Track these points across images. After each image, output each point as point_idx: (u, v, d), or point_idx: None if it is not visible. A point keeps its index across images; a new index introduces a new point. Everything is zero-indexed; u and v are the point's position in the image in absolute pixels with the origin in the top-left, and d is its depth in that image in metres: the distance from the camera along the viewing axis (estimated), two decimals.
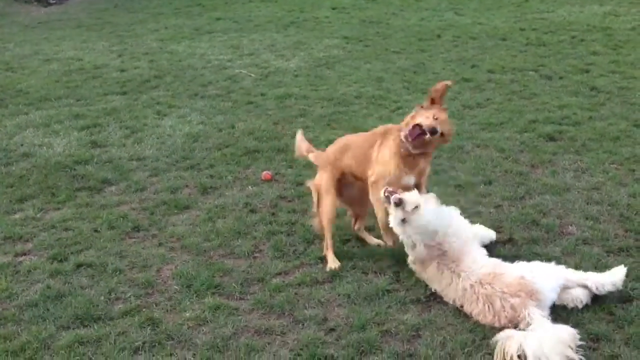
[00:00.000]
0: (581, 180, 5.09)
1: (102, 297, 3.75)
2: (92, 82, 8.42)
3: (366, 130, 5.81)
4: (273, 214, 4.72)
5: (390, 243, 3.99)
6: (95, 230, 4.56)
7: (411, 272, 3.89)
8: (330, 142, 6.00)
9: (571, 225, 4.40)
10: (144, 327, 3.48)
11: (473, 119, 6.61)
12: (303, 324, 3.48)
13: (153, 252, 4.26)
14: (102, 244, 4.36)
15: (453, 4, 13.43)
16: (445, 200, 4.74)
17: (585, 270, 3.68)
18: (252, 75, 8.53)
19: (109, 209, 4.88)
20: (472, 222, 4.41)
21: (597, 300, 3.54)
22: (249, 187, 5.16)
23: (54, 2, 16.47)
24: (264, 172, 5.32)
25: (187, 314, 3.59)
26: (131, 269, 4.07)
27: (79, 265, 4.09)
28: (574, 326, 3.28)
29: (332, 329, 3.44)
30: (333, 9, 13.24)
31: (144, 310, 3.66)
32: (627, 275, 3.55)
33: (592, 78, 7.93)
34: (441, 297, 3.63)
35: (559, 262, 3.88)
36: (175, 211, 4.80)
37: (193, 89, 7.96)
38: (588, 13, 12.03)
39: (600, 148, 5.69)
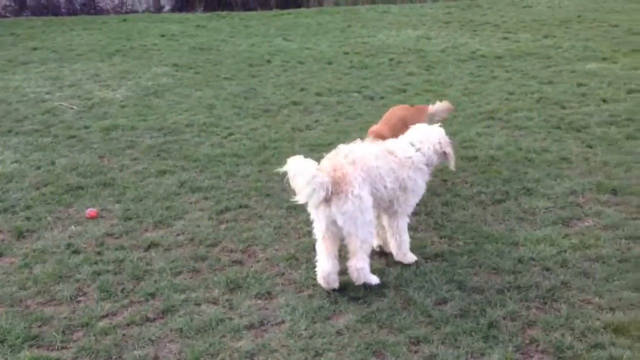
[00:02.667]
0: None
1: None
2: None
3: (198, 159, 5.87)
4: (99, 252, 4.47)
5: None
6: None
7: (245, 298, 3.91)
8: (161, 172, 5.93)
9: None
10: None
11: (303, 141, 6.83)
12: None
13: None
14: None
15: (281, 30, 13.86)
16: (278, 222, 4.87)
17: (406, 278, 3.96)
18: (74, 107, 8.08)
19: None
20: (302, 243, 4.57)
21: (416, 304, 3.81)
22: (72, 226, 4.85)
23: None
24: (89, 210, 5.03)
25: None
26: None
27: None
28: (397, 332, 3.51)
29: None
30: (162, 36, 13.02)
31: None
32: (442, 279, 3.87)
33: (409, 97, 8.58)
34: (274, 319, 3.70)
35: (382, 273, 4.14)
36: None
37: (6, 125, 7.35)
38: (403, 37, 13.04)
39: None
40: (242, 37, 13.11)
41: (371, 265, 4.11)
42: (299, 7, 18.93)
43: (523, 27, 14.54)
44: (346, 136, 6.91)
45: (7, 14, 17.12)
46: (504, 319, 3.66)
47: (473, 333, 3.53)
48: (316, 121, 7.59)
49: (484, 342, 3.46)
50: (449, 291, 3.94)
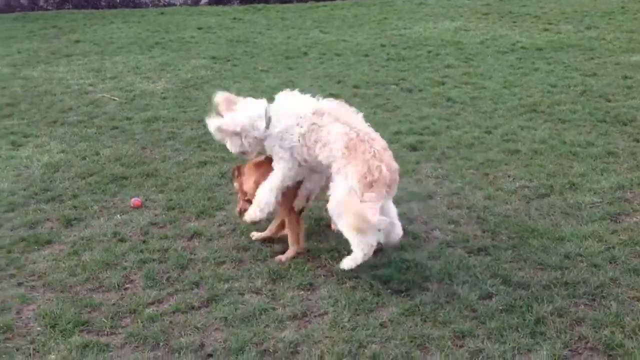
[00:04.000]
0: (442, 186, 5.42)
1: None
2: None
3: None
4: (144, 241, 4.55)
5: None
6: None
7: (288, 289, 3.93)
8: (202, 163, 5.99)
9: (435, 230, 4.66)
10: None
11: None
12: (179, 353, 3.38)
13: (11, 293, 3.94)
14: None
15: (317, 22, 13.85)
16: (319, 213, 4.88)
17: (449, 272, 3.95)
18: (116, 99, 8.21)
19: None
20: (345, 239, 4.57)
21: (460, 298, 3.78)
22: (117, 215, 4.94)
23: None
24: (133, 199, 5.12)
25: (53, 356, 3.36)
26: None
27: None
28: (441, 326, 3.49)
29: (210, 355, 3.38)
30: (199, 29, 13.12)
31: (3, 356, 3.37)
32: (486, 273, 3.83)
33: (448, 90, 8.49)
34: (317, 310, 3.72)
35: (424, 266, 4.12)
36: (36, 247, 4.48)
37: (52, 116, 7.52)
38: (441, 29, 12.89)
39: (457, 155, 6.09)
40: (278, 30, 13.14)
41: (414, 258, 4.11)
42: None
43: (564, 18, 14.22)
44: (385, 129, 6.88)
45: (49, 7, 17.48)
46: (551, 315, 3.60)
47: (519, 329, 3.48)
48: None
49: (531, 338, 3.41)
50: (493, 286, 3.90)
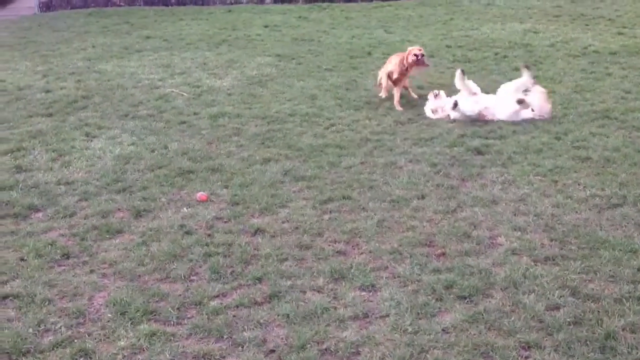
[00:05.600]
0: (508, 192, 5.30)
1: (31, 330, 3.58)
2: (15, 104, 8.08)
3: (301, 148, 6.04)
4: (209, 235, 4.65)
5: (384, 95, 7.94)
6: (22, 259, 4.36)
7: (349, 289, 3.95)
8: (266, 159, 6.08)
9: (500, 237, 4.56)
10: (77, 359, 3.35)
11: (405, 134, 6.77)
12: (242, 347, 3.45)
13: (84, 280, 4.11)
14: (30, 273, 4.17)
15: (382, 21, 13.79)
16: (381, 215, 4.87)
17: (515, 280, 3.86)
18: (184, 94, 8.43)
19: (35, 236, 4.68)
20: (406, 237, 4.56)
21: (526, 308, 3.69)
22: (184, 208, 5.08)
23: None
24: (199, 193, 5.25)
25: (122, 343, 3.48)
26: (61, 299, 3.91)
27: (4, 297, 3.89)
28: (506, 335, 3.42)
29: (272, 350, 3.43)
30: (265, 27, 13.30)
31: (75, 341, 3.52)
32: (553, 284, 3.73)
33: None
34: (379, 312, 3.71)
35: (489, 273, 4.05)
36: (107, 236, 4.66)
37: (123, 109, 7.79)
38: (509, 30, 12.60)
39: (524, 160, 5.94)
40: (342, 29, 13.15)
41: (478, 264, 4.04)
42: None
43: None
44: (449, 131, 6.79)
45: (122, 3, 18.11)
46: (623, 330, 3.47)
47: (588, 342, 3.37)
48: (419, 114, 7.49)
49: (601, 353, 3.30)
50: (561, 297, 3.79)
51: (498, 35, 12.19)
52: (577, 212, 4.90)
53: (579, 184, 5.41)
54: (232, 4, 18.04)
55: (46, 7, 17.32)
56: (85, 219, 4.96)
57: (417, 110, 7.66)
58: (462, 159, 6.06)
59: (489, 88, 8.45)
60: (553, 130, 6.76)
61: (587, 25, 12.85)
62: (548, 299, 3.77)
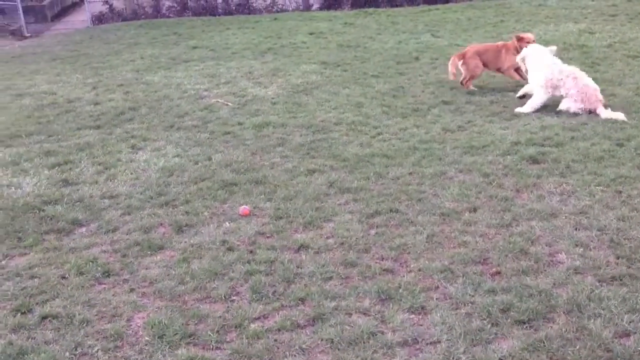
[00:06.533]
0: (568, 204, 4.96)
1: (67, 353, 3.49)
2: (65, 116, 8.19)
3: (347, 159, 5.71)
4: (251, 251, 4.50)
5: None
6: (63, 277, 4.30)
7: (397, 311, 3.72)
8: (310, 170, 5.90)
9: (561, 253, 4.25)
10: None
11: (455, 143, 6.49)
12: None
13: (124, 299, 4.01)
14: (70, 292, 4.11)
15: (429, 26, 13.47)
16: (431, 229, 4.61)
17: (579, 302, 3.53)
18: (229, 104, 8.36)
19: (78, 252, 4.63)
20: (458, 254, 4.29)
21: (592, 334, 3.38)
22: (226, 223, 4.94)
23: (30, 35, 16.29)
24: (242, 207, 5.12)
25: None
26: (100, 319, 3.82)
27: (44, 317, 3.83)
28: None
29: None
30: (310, 34, 13.19)
31: None
32: (622, 307, 3.40)
33: None
34: (429, 337, 3.47)
35: (550, 295, 3.74)
36: (149, 252, 4.56)
37: (169, 120, 7.77)
38: (563, 31, 12.10)
39: (584, 169, 5.58)
40: (389, 34, 12.91)
41: (537, 285, 3.75)
42: (447, 2, 18.33)
43: None
44: (502, 139, 6.47)
45: (171, 15, 18.37)
46: None
47: None
48: (469, 122, 7.19)
49: None
50: (631, 322, 3.46)
51: (552, 36, 11.70)
52: None
53: None
54: (278, 11, 18.04)
55: (98, 20, 17.74)
56: (127, 234, 4.89)
57: (467, 117, 7.35)
58: (517, 168, 5.74)
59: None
60: (614, 136, 6.35)
61: None
62: (616, 324, 3.45)
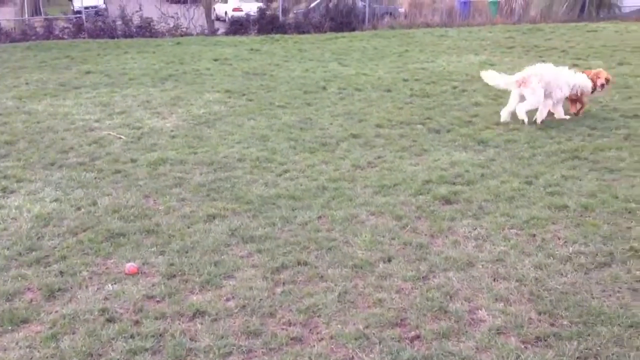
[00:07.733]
0: (484, 250, 4.70)
1: None
2: None
3: (251, 201, 5.34)
4: (136, 322, 3.82)
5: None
6: None
7: None
8: (210, 216, 5.33)
9: (481, 310, 3.93)
10: None
11: (365, 181, 6.15)
12: None
13: None
14: None
15: (336, 54, 13.33)
16: (343, 286, 4.16)
17: None
18: (123, 137, 7.63)
19: None
20: (373, 314, 3.86)
21: None
22: (109, 285, 4.24)
23: None
24: (128, 265, 4.44)
25: None
26: None
27: None
28: None
29: None
30: (215, 60, 12.66)
31: None
32: None
33: (478, 131, 7.84)
34: None
35: None
36: (9, 328, 3.77)
37: (50, 156, 6.94)
38: (465, 63, 12.30)
39: (497, 210, 5.39)
40: (296, 62, 12.62)
41: (459, 350, 3.37)
42: (353, 29, 18.42)
43: (593, 52, 13.60)
44: (413, 176, 6.21)
45: (65, 36, 17.18)
46: None
47: None
48: (378, 157, 6.91)
49: None
50: None
51: (455, 67, 11.86)
52: (562, 274, 4.33)
53: (559, 238, 4.86)
54: (181, 35, 17.34)
55: None
56: None
57: (377, 151, 7.07)
58: (430, 209, 5.46)
59: (450, 125, 7.98)
60: (522, 173, 6.26)
61: (541, 56, 12.67)
62: None
